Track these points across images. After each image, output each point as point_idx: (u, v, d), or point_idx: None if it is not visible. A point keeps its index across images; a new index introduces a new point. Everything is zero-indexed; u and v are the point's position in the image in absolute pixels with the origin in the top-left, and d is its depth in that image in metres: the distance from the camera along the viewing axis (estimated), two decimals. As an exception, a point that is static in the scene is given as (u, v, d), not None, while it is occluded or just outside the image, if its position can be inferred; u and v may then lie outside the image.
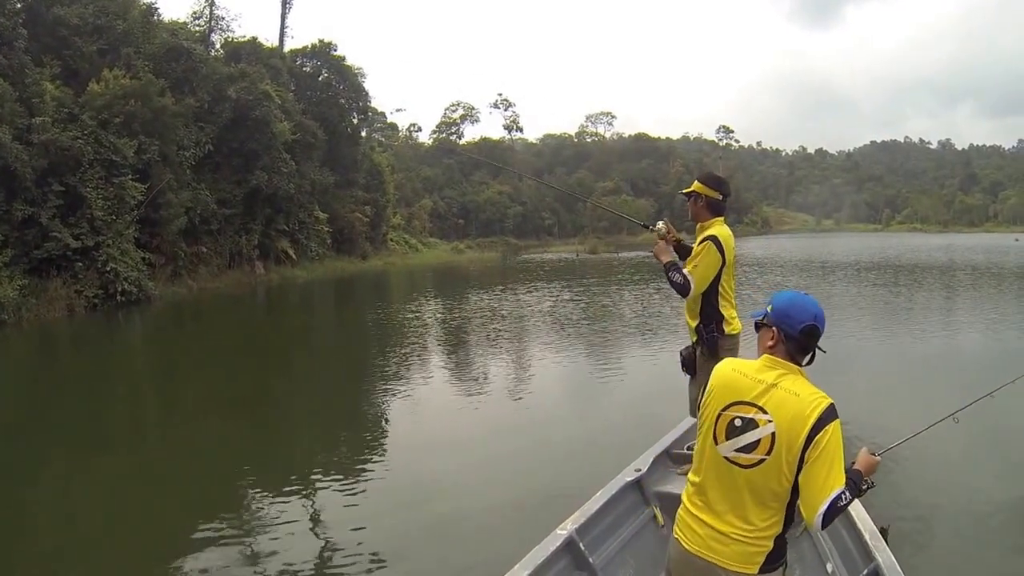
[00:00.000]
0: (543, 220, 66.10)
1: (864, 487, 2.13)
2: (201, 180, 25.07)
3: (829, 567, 3.33)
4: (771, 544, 2.05)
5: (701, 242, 3.79)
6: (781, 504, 2.04)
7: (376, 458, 6.96)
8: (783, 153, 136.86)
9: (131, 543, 5.11)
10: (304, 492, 5.94)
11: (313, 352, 13.87)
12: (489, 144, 73.73)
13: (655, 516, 3.85)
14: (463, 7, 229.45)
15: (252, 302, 23.68)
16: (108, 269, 19.26)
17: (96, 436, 8.03)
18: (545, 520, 3.49)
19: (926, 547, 4.58)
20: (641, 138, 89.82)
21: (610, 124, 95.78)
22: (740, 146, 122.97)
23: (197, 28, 31.91)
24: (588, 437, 7.03)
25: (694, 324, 3.94)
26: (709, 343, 3.85)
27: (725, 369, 2.18)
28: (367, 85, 39.91)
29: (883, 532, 3.24)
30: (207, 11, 32.44)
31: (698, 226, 3.91)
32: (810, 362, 2.13)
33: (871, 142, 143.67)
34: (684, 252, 4.02)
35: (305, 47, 38.24)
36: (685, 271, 3.74)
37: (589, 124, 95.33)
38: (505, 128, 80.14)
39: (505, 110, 79.78)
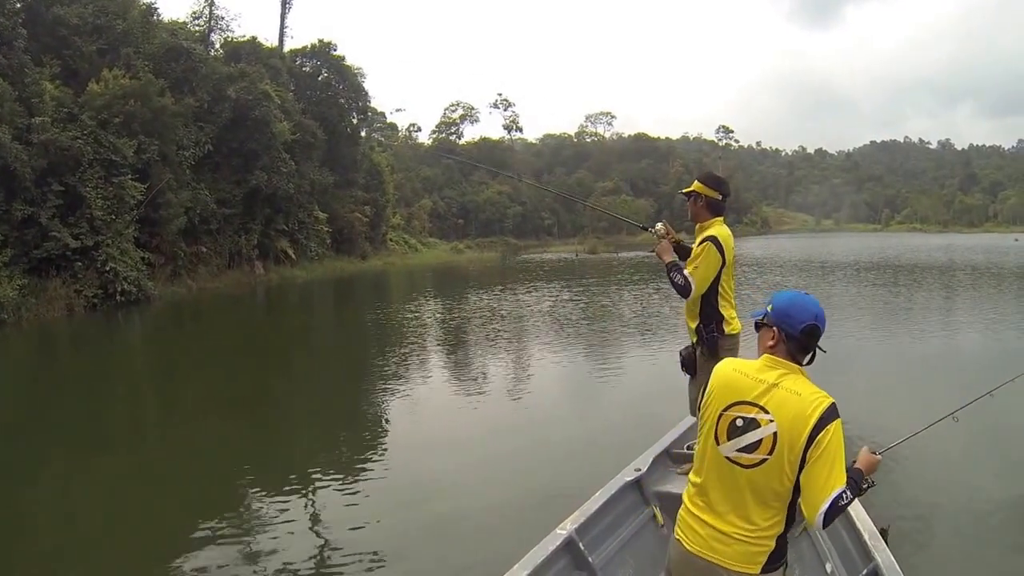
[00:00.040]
0: (543, 220, 66.12)
1: (865, 486, 2.13)
2: (201, 180, 25.07)
3: (828, 567, 3.33)
4: (773, 543, 2.05)
5: (701, 243, 3.79)
6: (783, 503, 2.04)
7: (375, 458, 6.96)
8: (783, 153, 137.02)
9: (131, 543, 5.11)
10: (304, 492, 5.94)
11: (313, 352, 13.86)
12: (489, 144, 73.77)
13: (655, 516, 3.85)
14: (463, 7, 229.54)
15: (252, 302, 23.68)
16: (108, 269, 19.26)
17: (96, 436, 8.03)
18: (544, 520, 3.49)
19: (926, 546, 4.59)
20: (641, 138, 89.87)
21: (610, 124, 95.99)
22: (740, 146, 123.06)
23: (197, 28, 31.92)
24: (587, 437, 7.03)
25: (694, 325, 3.94)
26: (709, 343, 3.85)
27: (726, 369, 2.18)
28: (367, 85, 40.05)
29: (883, 533, 3.23)
30: (207, 11, 32.50)
31: (697, 226, 3.90)
32: (810, 361, 2.12)
33: (871, 142, 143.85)
34: (683, 253, 4.01)
35: (305, 47, 38.29)
36: (686, 272, 3.74)
37: (589, 124, 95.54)
38: (505, 128, 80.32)
39: (505, 110, 79.95)
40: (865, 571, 3.01)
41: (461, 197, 60.54)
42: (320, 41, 37.94)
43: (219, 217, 26.03)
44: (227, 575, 4.45)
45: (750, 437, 2.04)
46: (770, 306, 2.16)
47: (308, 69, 37.68)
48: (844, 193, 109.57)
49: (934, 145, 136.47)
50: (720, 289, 3.84)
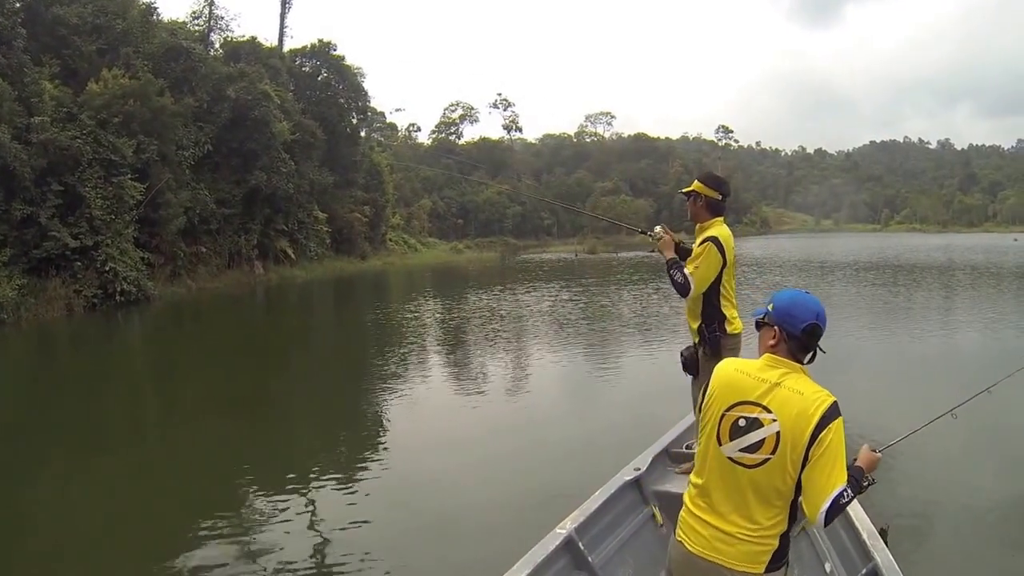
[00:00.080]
0: (542, 220, 66.12)
1: (865, 484, 2.13)
2: (200, 180, 25.06)
3: (827, 567, 3.33)
4: (777, 542, 2.05)
5: (702, 243, 3.79)
6: (785, 502, 2.04)
7: (375, 457, 6.96)
8: (782, 153, 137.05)
9: (131, 542, 5.11)
10: (303, 491, 5.94)
11: (312, 352, 13.87)
12: (488, 144, 73.82)
13: (654, 515, 3.85)
14: (463, 7, 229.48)
15: (251, 302, 23.68)
16: (107, 269, 19.25)
17: (96, 436, 8.02)
18: (544, 519, 3.49)
19: (925, 544, 4.59)
20: (640, 138, 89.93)
21: (609, 124, 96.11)
22: (739, 146, 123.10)
23: (196, 28, 31.90)
24: (587, 436, 7.04)
25: (696, 325, 3.93)
26: (711, 343, 3.85)
27: (727, 369, 2.17)
28: (366, 85, 40.04)
29: (882, 533, 3.23)
30: (206, 11, 32.48)
31: (698, 226, 3.90)
32: (811, 360, 2.12)
33: (870, 142, 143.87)
34: (683, 254, 4.01)
35: (304, 47, 38.28)
36: (686, 271, 3.74)
37: (588, 124, 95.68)
38: (504, 128, 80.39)
39: (504, 110, 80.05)
40: (864, 571, 3.01)
41: (461, 197, 60.55)
42: (320, 41, 37.95)
43: (219, 217, 26.02)
44: (227, 574, 4.45)
45: (753, 437, 2.03)
46: (771, 305, 2.15)
47: (308, 69, 37.68)
48: (843, 193, 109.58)
49: (933, 145, 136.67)
50: (722, 289, 3.84)
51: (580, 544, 3.25)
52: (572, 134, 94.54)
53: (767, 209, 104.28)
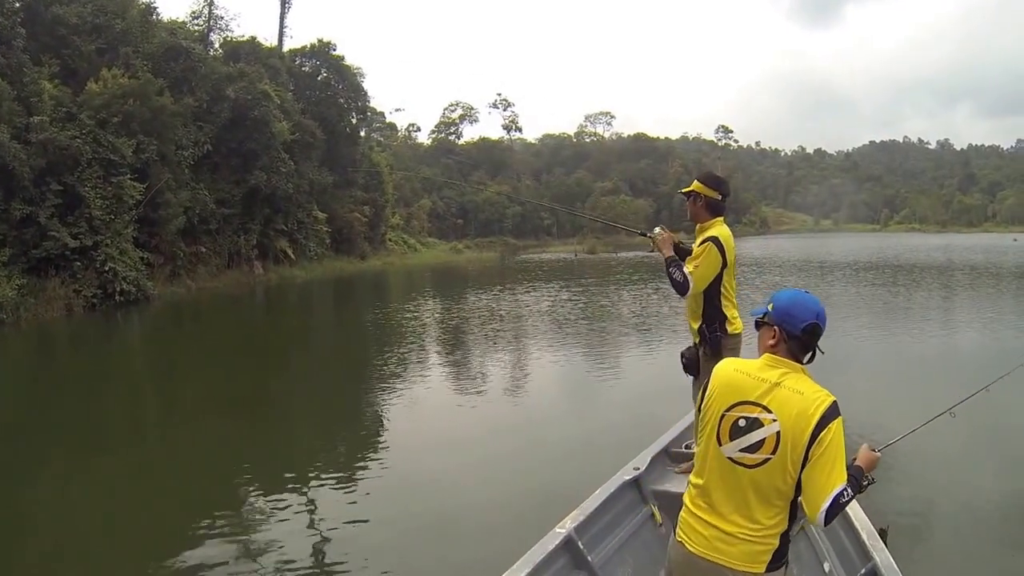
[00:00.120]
0: (542, 220, 66.11)
1: (865, 483, 2.13)
2: (200, 180, 25.06)
3: (826, 566, 3.33)
4: (777, 542, 2.05)
5: (702, 243, 3.78)
6: (786, 502, 2.04)
7: (375, 457, 6.96)
8: (782, 153, 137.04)
9: (131, 542, 5.11)
10: (303, 491, 5.95)
11: (312, 352, 13.87)
12: (488, 144, 73.81)
13: (653, 515, 3.85)
14: (463, 7, 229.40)
15: (251, 302, 23.67)
16: (107, 269, 19.25)
17: (95, 436, 8.02)
18: (543, 519, 3.49)
19: (924, 544, 4.60)
20: (640, 138, 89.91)
21: (609, 124, 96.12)
22: (739, 146, 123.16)
23: (196, 27, 31.91)
24: (586, 436, 7.04)
25: (696, 325, 3.93)
26: (712, 343, 3.85)
27: (727, 369, 2.17)
28: (366, 85, 40.08)
29: (882, 533, 3.24)
30: (206, 10, 32.49)
31: (697, 226, 3.90)
32: (811, 360, 2.13)
33: (870, 142, 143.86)
34: (683, 255, 4.01)
35: (304, 47, 38.30)
36: (686, 270, 3.74)
37: (588, 124, 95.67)
38: (504, 128, 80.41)
39: (504, 110, 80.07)
40: (863, 571, 3.01)
41: (460, 197, 60.49)
42: (319, 41, 37.97)
43: (218, 217, 26.01)
44: (227, 573, 4.45)
45: (753, 437, 2.03)
46: (771, 305, 2.15)
47: (307, 69, 37.68)
48: (843, 193, 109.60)
49: (933, 145, 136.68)
50: (722, 289, 3.84)
51: (579, 544, 3.25)
52: (572, 134, 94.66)
53: (767, 209, 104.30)
